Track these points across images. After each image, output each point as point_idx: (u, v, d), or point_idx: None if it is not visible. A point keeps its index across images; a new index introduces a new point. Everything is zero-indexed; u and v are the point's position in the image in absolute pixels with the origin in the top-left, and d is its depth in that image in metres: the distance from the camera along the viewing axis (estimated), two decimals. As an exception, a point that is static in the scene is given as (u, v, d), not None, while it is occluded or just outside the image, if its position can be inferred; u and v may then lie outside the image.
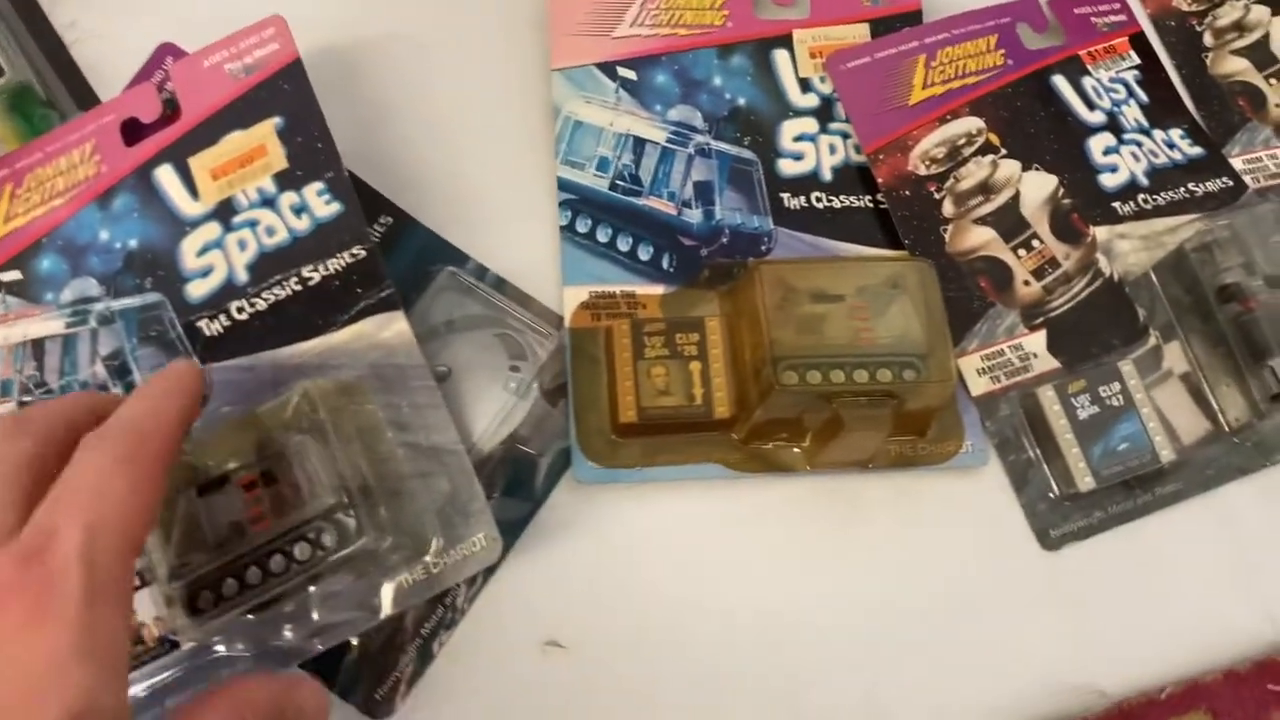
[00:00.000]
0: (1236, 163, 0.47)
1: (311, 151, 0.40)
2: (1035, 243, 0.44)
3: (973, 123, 0.45)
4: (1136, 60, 0.48)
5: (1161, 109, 0.47)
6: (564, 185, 0.43)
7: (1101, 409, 0.41)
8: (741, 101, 0.45)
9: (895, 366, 0.38)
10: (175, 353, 0.38)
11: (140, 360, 0.38)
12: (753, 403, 0.39)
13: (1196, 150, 0.47)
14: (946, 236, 0.43)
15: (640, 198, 0.43)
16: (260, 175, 0.40)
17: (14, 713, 0.25)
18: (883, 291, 0.40)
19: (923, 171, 0.44)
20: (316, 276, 0.39)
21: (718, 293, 0.41)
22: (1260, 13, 0.50)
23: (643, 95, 0.44)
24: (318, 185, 0.39)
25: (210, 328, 0.38)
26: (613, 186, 0.43)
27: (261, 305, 0.38)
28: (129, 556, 0.28)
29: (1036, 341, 0.42)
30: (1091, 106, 0.46)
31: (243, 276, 0.39)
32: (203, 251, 0.39)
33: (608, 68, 0.45)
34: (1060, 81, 0.46)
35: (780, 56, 0.46)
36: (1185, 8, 0.50)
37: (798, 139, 0.45)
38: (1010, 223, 0.44)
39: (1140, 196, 0.45)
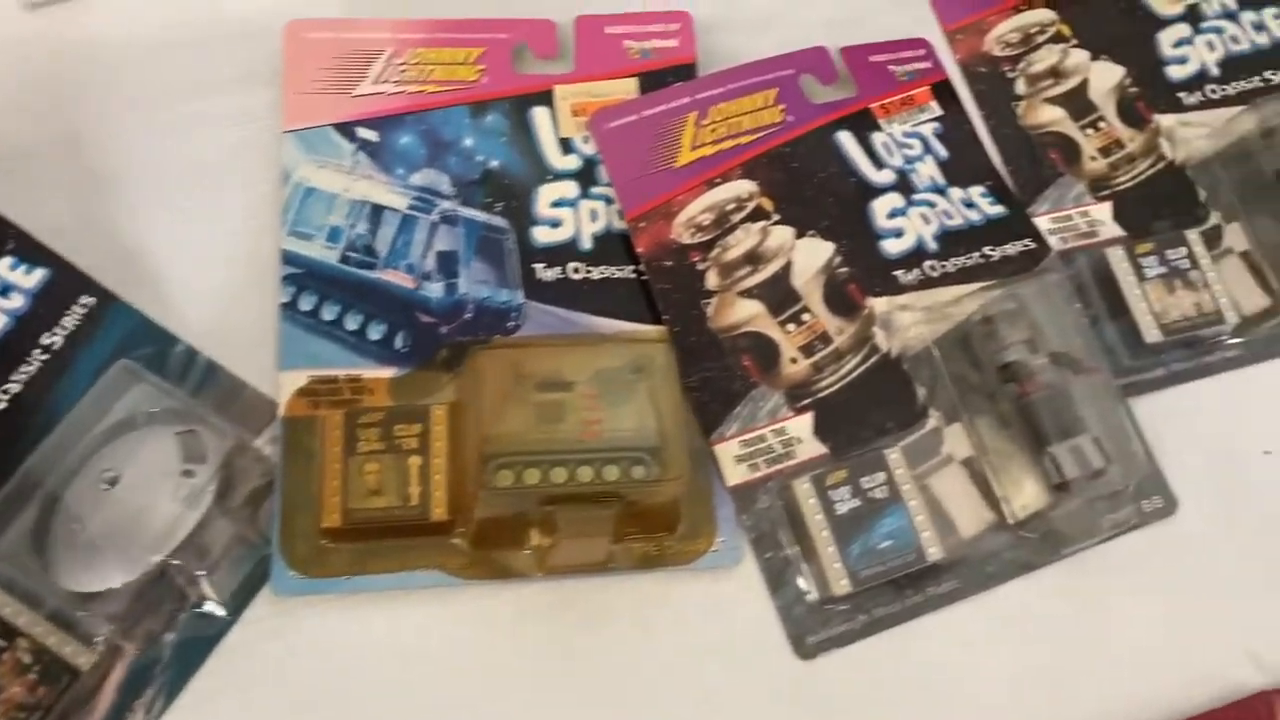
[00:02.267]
0: (1043, 222, 0.46)
1: None
2: (805, 316, 0.42)
3: (744, 186, 0.44)
4: (938, 111, 0.47)
5: (961, 165, 0.46)
6: (290, 258, 0.42)
7: (864, 502, 0.40)
8: (495, 164, 0.44)
9: (624, 462, 0.37)
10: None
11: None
12: (467, 499, 0.38)
13: (998, 210, 0.46)
14: (709, 311, 0.42)
15: (374, 270, 0.42)
16: None
17: None
18: (621, 377, 0.39)
19: (686, 240, 0.43)
20: None
21: (453, 377, 0.41)
22: (1078, 57, 0.49)
23: (384, 158, 0.43)
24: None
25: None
26: (344, 259, 0.42)
27: None
28: None
29: (802, 425, 0.41)
30: (880, 165, 0.45)
31: None
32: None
33: (346, 129, 0.43)
34: (845, 138, 0.45)
35: (540, 115, 0.45)
36: (997, 53, 0.49)
37: (556, 204, 0.44)
38: (779, 295, 0.43)
39: (927, 263, 0.44)
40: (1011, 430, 0.41)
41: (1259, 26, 0.51)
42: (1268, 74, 0.50)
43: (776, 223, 0.43)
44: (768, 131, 0.45)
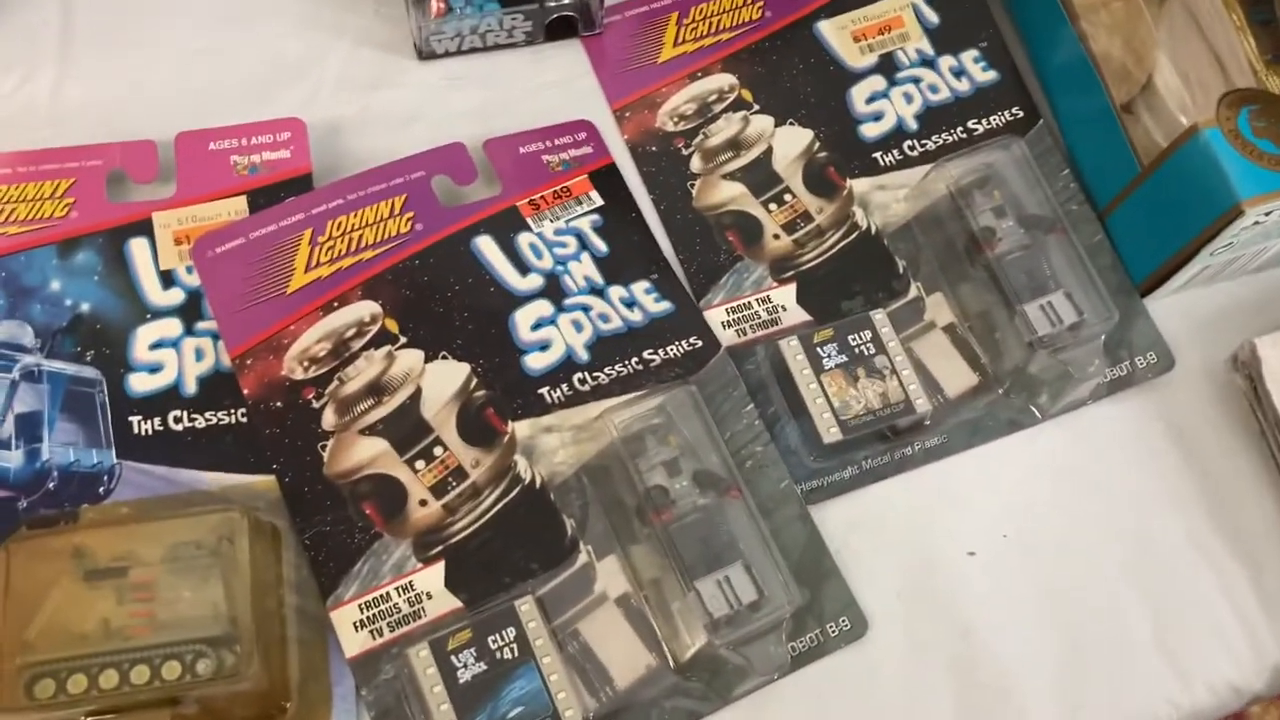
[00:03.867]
0: (718, 314, 0.43)
1: None
2: (437, 450, 0.38)
3: (366, 308, 0.40)
4: (598, 202, 0.44)
5: (624, 260, 0.44)
6: None
7: (490, 666, 0.36)
8: (85, 308, 0.41)
9: (188, 656, 0.34)
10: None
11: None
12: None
13: (663, 306, 0.43)
14: (326, 454, 0.38)
15: (-57, 444, 0.39)
16: None
17: None
18: (191, 554, 0.35)
19: (299, 376, 0.40)
20: None
21: None
22: (761, 124, 0.47)
23: (-42, 313, 0.41)
24: None
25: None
26: (-93, 434, 0.39)
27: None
28: None
29: (432, 577, 0.36)
30: (526, 270, 0.42)
31: None
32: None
33: (-86, 284, 0.41)
34: (485, 244, 0.42)
35: (137, 246, 0.42)
36: (670, 128, 0.47)
37: (155, 346, 0.40)
38: (406, 428, 0.38)
39: (576, 376, 0.41)
40: (666, 560, 0.38)
41: (959, 73, 0.49)
42: (971, 123, 0.48)
43: (403, 346, 0.40)
44: (393, 244, 0.42)
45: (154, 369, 0.40)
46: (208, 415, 0.40)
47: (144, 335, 0.40)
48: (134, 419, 0.39)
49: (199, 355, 0.40)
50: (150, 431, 0.39)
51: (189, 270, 0.41)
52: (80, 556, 0.35)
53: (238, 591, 0.35)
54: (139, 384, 0.40)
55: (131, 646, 0.34)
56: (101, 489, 0.39)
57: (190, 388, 0.40)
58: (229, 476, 0.39)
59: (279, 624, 0.37)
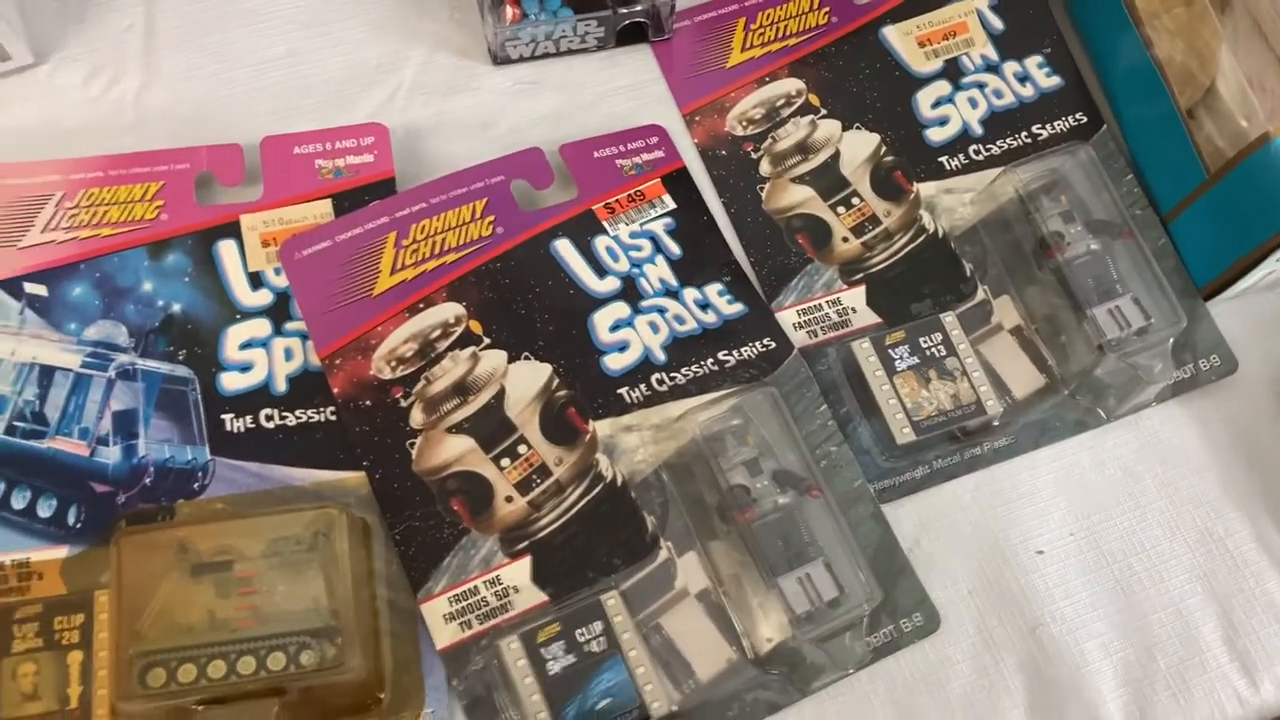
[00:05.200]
0: (790, 315, 0.45)
1: None
2: (522, 449, 0.41)
3: (450, 310, 0.43)
4: (671, 206, 0.46)
5: (696, 263, 0.46)
6: (-51, 435, 0.41)
7: (579, 658, 0.38)
8: (177, 308, 0.43)
9: (291, 648, 0.36)
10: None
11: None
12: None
13: (736, 309, 0.45)
14: (414, 452, 0.40)
15: (44, 440, 0.41)
16: None
17: None
18: (292, 549, 0.37)
19: (387, 375, 0.42)
20: None
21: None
22: (829, 129, 0.49)
23: (55, 314, 0.42)
24: None
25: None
26: (9, 429, 0.41)
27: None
28: None
29: (519, 572, 0.39)
30: (603, 273, 0.45)
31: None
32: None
33: (12, 285, 0.42)
34: (563, 247, 0.45)
35: (226, 249, 0.44)
36: (739, 132, 0.49)
37: (245, 346, 0.42)
38: (492, 427, 0.40)
39: (655, 377, 0.43)
40: (746, 557, 0.41)
41: (1023, 78, 0.50)
42: (1035, 128, 0.50)
43: (487, 347, 0.43)
44: (476, 247, 0.44)
45: (245, 368, 0.42)
46: (298, 413, 0.42)
47: (234, 335, 0.43)
48: (226, 416, 0.41)
49: (288, 355, 0.43)
50: (243, 429, 0.41)
51: (277, 272, 0.43)
52: (184, 551, 0.37)
53: (337, 585, 0.37)
54: (230, 383, 0.42)
55: (238, 638, 0.36)
56: (196, 484, 0.41)
57: (280, 386, 0.42)
58: (320, 473, 0.41)
59: (373, 616, 0.39)
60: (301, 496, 0.41)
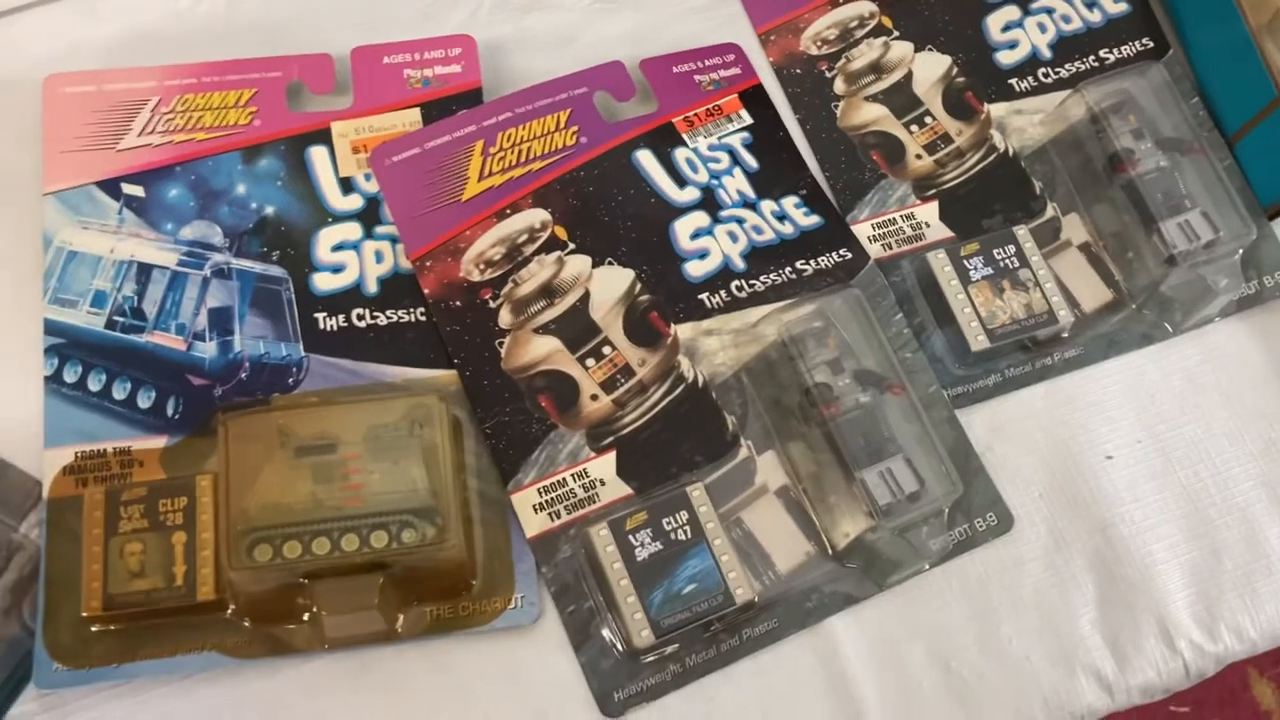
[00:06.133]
0: (865, 228, 0.47)
1: None
2: (606, 349, 0.43)
3: (536, 216, 0.45)
4: (748, 120, 0.48)
5: (773, 176, 0.47)
6: (52, 328, 0.42)
7: (665, 545, 0.40)
8: (270, 211, 0.45)
9: (394, 527, 0.38)
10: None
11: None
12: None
13: (812, 220, 0.47)
14: (503, 351, 0.42)
15: (143, 334, 0.43)
16: None
17: None
18: (393, 434, 0.39)
19: (476, 277, 0.44)
20: None
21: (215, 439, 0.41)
22: (901, 49, 0.51)
23: (152, 214, 0.44)
24: None
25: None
26: (110, 324, 0.43)
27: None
28: None
29: (605, 466, 0.41)
30: (683, 183, 0.46)
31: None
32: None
33: (110, 185, 0.44)
34: (645, 157, 0.46)
35: (317, 154, 0.45)
36: (814, 52, 0.50)
37: (337, 249, 0.44)
38: (577, 329, 0.43)
39: (735, 284, 0.45)
40: (825, 455, 0.42)
41: (1091, 4, 0.52)
42: (1103, 53, 0.51)
43: (572, 252, 0.44)
44: (560, 156, 0.46)
45: (337, 269, 0.44)
46: (389, 313, 0.44)
47: (326, 238, 0.44)
48: (319, 315, 0.43)
49: (378, 257, 0.44)
50: (335, 328, 0.43)
51: (367, 178, 0.45)
52: (287, 435, 0.39)
53: (436, 469, 0.39)
54: (323, 283, 0.44)
55: (340, 516, 0.37)
56: (291, 380, 0.43)
57: (371, 287, 0.44)
58: (411, 370, 0.43)
59: (467, 504, 0.41)
60: (394, 391, 0.42)
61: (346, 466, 0.38)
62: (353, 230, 0.45)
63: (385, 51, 0.46)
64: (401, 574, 0.38)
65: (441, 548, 0.38)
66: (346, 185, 0.45)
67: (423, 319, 0.44)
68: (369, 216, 0.45)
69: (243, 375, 0.42)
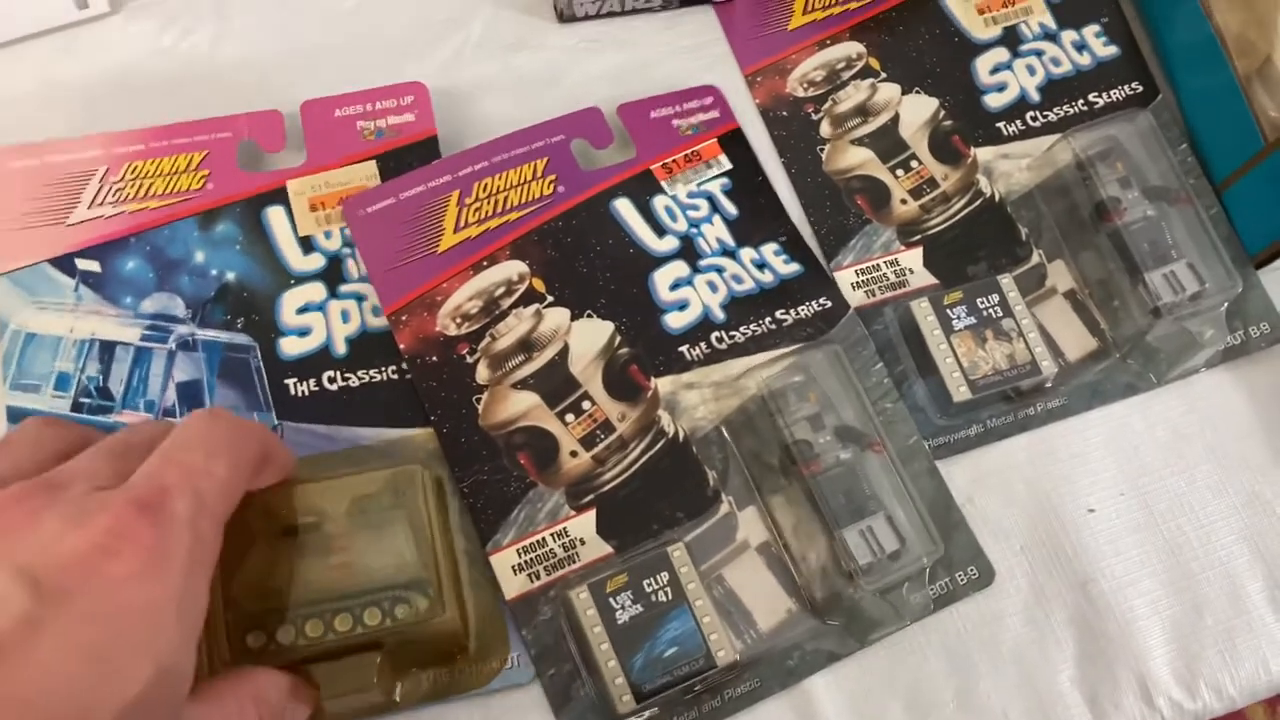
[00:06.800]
0: (848, 275, 0.47)
1: None
2: (585, 404, 0.43)
3: (514, 267, 0.45)
4: (727, 166, 0.48)
5: (753, 222, 0.47)
6: (16, 415, 0.42)
7: (645, 608, 0.40)
8: (231, 277, 0.44)
9: (385, 603, 0.37)
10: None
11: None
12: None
13: (792, 268, 0.47)
14: (480, 407, 0.42)
15: (111, 414, 0.42)
16: None
17: (109, 653, 0.29)
18: (377, 505, 0.39)
19: (453, 331, 0.44)
20: None
21: None
22: (889, 92, 0.50)
23: (109, 288, 0.44)
24: None
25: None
26: (76, 406, 0.42)
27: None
28: (220, 534, 0.33)
29: (584, 524, 0.41)
30: (663, 232, 0.46)
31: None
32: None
33: (64, 262, 0.44)
34: (623, 206, 0.46)
35: (274, 215, 0.45)
36: (800, 94, 0.50)
37: (302, 310, 0.44)
38: (556, 383, 0.42)
39: (714, 335, 0.45)
40: (805, 512, 0.43)
41: (1080, 46, 0.52)
42: (1092, 96, 0.51)
43: (550, 304, 0.44)
44: (538, 206, 0.46)
45: (303, 332, 0.44)
46: (360, 374, 0.43)
47: (290, 300, 0.44)
48: (289, 381, 0.43)
49: (345, 317, 0.44)
50: (306, 393, 0.43)
51: (327, 236, 0.45)
52: (271, 515, 0.38)
53: (423, 538, 0.38)
54: (290, 347, 0.44)
55: (331, 596, 0.37)
56: None
57: (340, 349, 0.44)
58: (386, 431, 0.43)
59: (456, 566, 0.41)
60: (371, 455, 0.42)
61: (333, 543, 0.38)
62: (316, 291, 0.44)
63: (336, 104, 0.46)
64: (397, 647, 0.38)
65: (436, 619, 0.38)
66: (307, 245, 0.45)
67: (394, 377, 0.43)
68: (332, 275, 0.45)
69: (216, 449, 0.43)
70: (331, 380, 0.43)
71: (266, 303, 0.44)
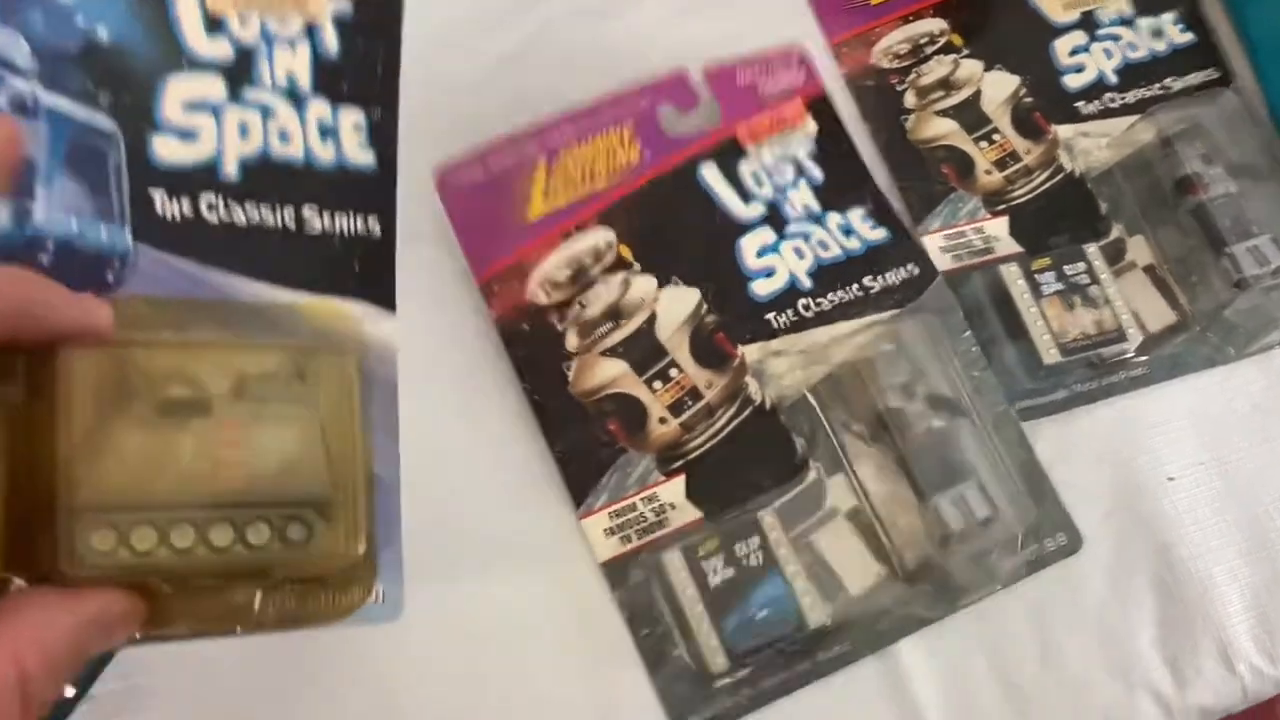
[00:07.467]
0: (936, 240, 0.48)
1: None
2: (673, 372, 0.43)
3: (601, 235, 0.45)
4: (812, 129, 0.48)
5: (839, 188, 0.48)
6: None
7: (737, 571, 0.41)
8: (103, 34, 0.33)
9: (276, 519, 0.29)
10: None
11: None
12: (42, 561, 0.27)
13: (879, 234, 0.47)
14: (570, 375, 0.42)
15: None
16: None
17: None
18: (280, 391, 0.30)
19: (543, 300, 0.43)
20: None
21: (24, 361, 0.28)
22: (971, 68, 0.51)
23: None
24: None
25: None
26: None
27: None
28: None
29: (674, 490, 0.41)
30: (748, 198, 0.47)
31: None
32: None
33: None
34: (709, 172, 0.47)
35: (184, -25, 0.34)
36: (885, 65, 0.51)
37: (192, 108, 0.33)
38: (644, 351, 0.42)
39: (801, 302, 0.45)
40: (897, 479, 0.43)
41: (1157, 33, 0.53)
42: (1167, 81, 0.52)
43: (638, 272, 0.45)
44: (625, 173, 0.46)
45: (187, 135, 0.33)
46: (249, 207, 0.34)
47: (177, 89, 0.33)
48: (157, 194, 0.33)
49: (243, 131, 0.34)
50: (177, 215, 0.33)
51: (240, 22, 0.34)
52: (143, 379, 0.29)
53: (344, 449, 0.31)
54: (166, 151, 0.33)
55: (208, 501, 0.29)
56: (111, 276, 0.32)
57: (230, 170, 0.34)
58: (271, 289, 0.33)
59: (371, 493, 0.33)
60: (252, 318, 0.33)
61: (219, 432, 0.29)
62: (214, 86, 0.34)
63: None
64: (280, 581, 0.31)
65: (338, 553, 0.30)
66: (215, 24, 0.34)
67: (292, 226, 0.34)
68: (239, 72, 0.34)
69: (43, 259, 0.31)
70: (211, 208, 0.33)
71: (145, 83, 0.33)
